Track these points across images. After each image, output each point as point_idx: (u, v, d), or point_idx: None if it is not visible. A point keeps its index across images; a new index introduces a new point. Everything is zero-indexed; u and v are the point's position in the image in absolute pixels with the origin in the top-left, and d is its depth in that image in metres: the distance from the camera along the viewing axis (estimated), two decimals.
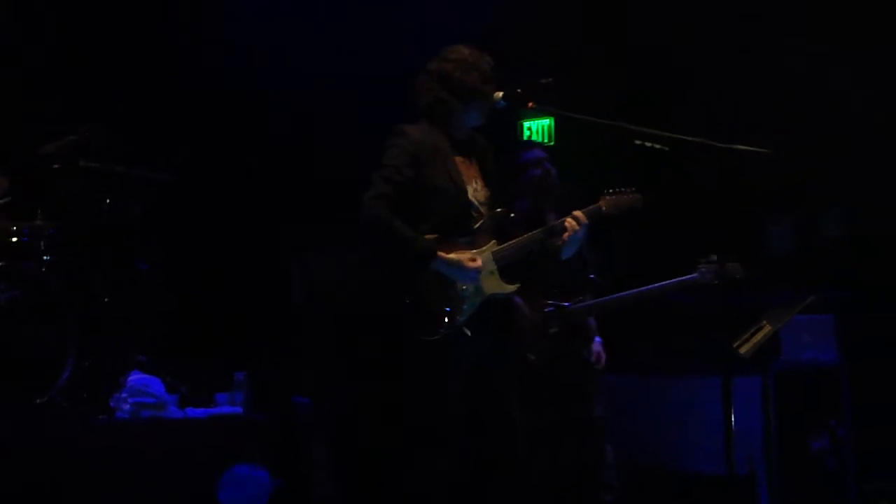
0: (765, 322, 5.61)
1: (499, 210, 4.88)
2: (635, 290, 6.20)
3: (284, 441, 6.52)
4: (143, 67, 8.06)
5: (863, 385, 6.39)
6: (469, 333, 4.69)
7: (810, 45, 7.15)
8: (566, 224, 4.87)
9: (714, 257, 5.88)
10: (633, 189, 5.09)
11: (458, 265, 4.68)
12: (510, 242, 4.84)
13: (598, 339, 6.21)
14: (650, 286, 6.20)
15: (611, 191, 5.07)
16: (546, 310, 6.03)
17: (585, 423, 6.05)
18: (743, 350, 5.49)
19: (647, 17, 7.66)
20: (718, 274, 5.89)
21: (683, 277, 6.08)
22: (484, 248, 4.79)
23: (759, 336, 5.56)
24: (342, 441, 6.70)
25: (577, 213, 4.91)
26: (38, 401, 5.82)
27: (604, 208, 5.02)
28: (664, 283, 6.16)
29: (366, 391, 6.69)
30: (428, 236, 4.71)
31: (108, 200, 6.62)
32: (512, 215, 4.93)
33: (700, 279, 5.98)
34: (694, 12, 7.53)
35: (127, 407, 6.26)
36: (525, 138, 7.96)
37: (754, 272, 6.04)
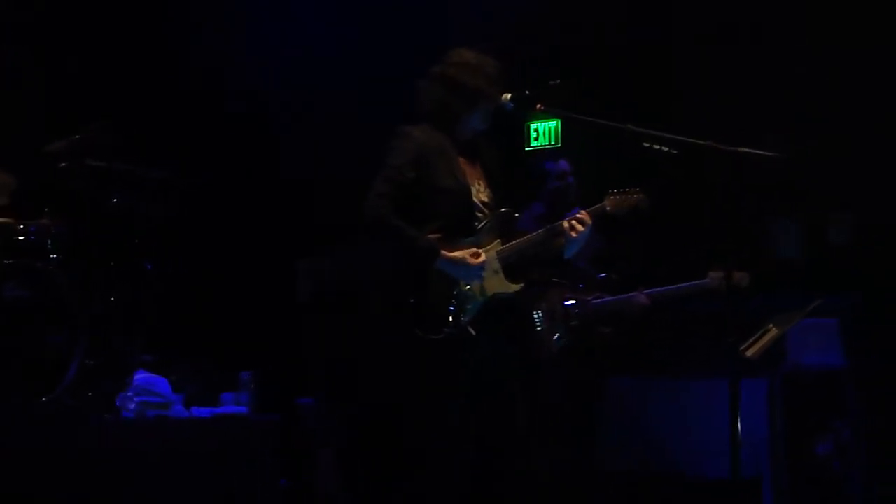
0: (771, 325, 5.60)
1: (503, 210, 4.87)
2: (654, 290, 6.23)
3: (289, 442, 6.52)
4: (149, 68, 8.06)
5: (868, 388, 6.38)
6: (473, 333, 4.68)
7: (817, 47, 7.14)
8: (571, 223, 4.85)
9: (723, 264, 5.91)
10: (638, 190, 5.09)
11: (462, 263, 4.67)
12: (514, 242, 4.83)
13: None
14: (662, 288, 6.23)
15: (616, 191, 5.06)
16: (566, 303, 6.05)
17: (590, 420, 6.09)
18: (750, 353, 5.48)
19: (650, 18, 7.66)
20: (725, 281, 5.93)
21: (694, 282, 6.12)
22: (488, 247, 4.78)
23: (765, 339, 5.56)
24: (347, 442, 6.70)
25: (582, 213, 4.90)
26: (43, 399, 5.81)
27: (608, 208, 5.02)
28: (676, 286, 6.19)
29: (370, 392, 6.69)
30: (431, 236, 4.70)
31: (114, 199, 6.62)
32: (517, 215, 4.91)
33: (710, 285, 6.03)
34: (695, 13, 7.54)
35: (132, 406, 6.26)
36: (532, 140, 7.96)
37: (761, 276, 6.05)
